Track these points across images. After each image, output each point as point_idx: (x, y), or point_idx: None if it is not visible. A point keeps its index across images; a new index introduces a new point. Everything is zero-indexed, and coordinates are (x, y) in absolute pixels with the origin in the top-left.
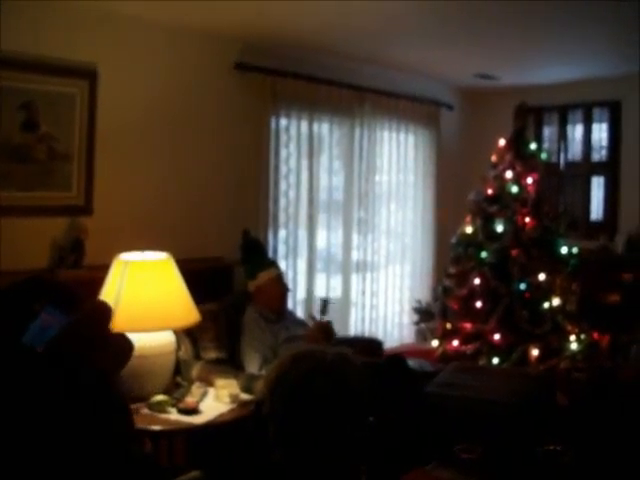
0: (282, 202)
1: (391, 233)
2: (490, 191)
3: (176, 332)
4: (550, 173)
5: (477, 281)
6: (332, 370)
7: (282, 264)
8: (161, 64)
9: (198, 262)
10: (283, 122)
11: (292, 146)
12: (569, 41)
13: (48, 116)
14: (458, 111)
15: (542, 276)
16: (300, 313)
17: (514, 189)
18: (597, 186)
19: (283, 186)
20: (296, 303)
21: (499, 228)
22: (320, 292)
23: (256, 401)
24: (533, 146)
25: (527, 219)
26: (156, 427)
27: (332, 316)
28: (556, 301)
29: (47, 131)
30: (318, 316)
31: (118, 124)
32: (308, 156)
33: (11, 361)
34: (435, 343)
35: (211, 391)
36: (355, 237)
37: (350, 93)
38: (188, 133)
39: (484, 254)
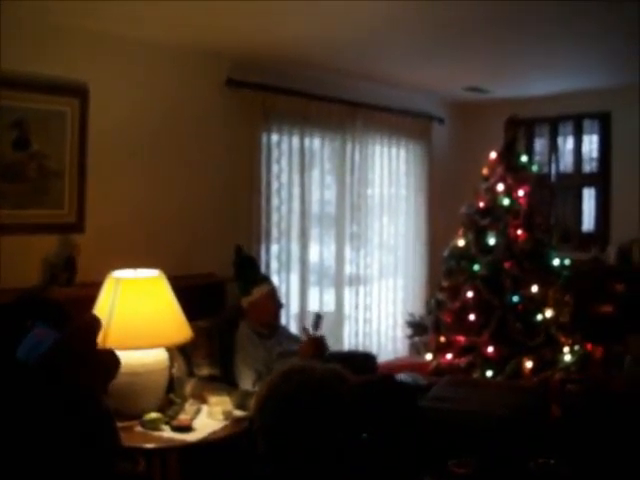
0: (274, 217)
1: (384, 247)
2: (482, 204)
3: (169, 349)
4: (541, 185)
5: (470, 294)
6: (322, 385)
7: (275, 279)
8: (152, 81)
9: (190, 279)
10: (274, 137)
11: (284, 161)
12: (559, 54)
13: (39, 134)
14: (449, 124)
15: (535, 288)
16: (293, 328)
17: (506, 202)
18: (588, 197)
19: (275, 201)
20: (289, 318)
21: (491, 241)
22: (313, 306)
23: (250, 418)
24: (524, 158)
25: (519, 231)
26: (149, 445)
27: (325, 330)
28: (549, 313)
29: (38, 149)
30: (311, 331)
31: (109, 142)
32: (300, 171)
33: (9, 378)
34: (429, 356)
35: (204, 408)
36: (348, 251)
37: (341, 108)
38: (179, 150)
39: (477, 267)
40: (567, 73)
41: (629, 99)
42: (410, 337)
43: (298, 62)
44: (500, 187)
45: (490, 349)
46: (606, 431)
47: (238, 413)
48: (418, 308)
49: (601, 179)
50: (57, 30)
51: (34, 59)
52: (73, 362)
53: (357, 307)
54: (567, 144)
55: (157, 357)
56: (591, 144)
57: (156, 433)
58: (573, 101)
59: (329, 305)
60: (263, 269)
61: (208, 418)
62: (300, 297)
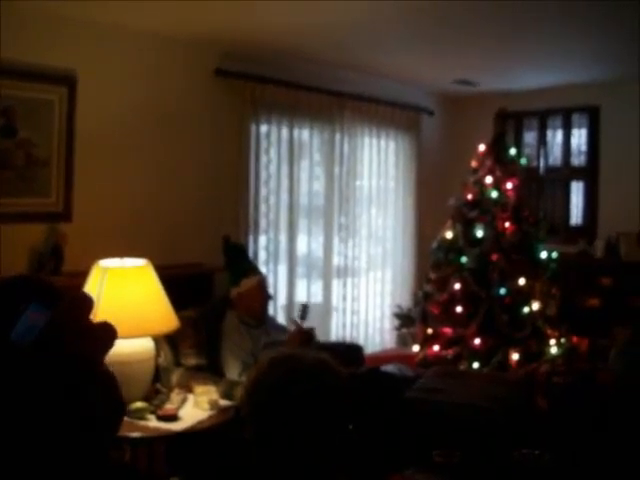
0: (263, 208)
1: (372, 238)
2: (470, 196)
3: (155, 339)
4: (530, 178)
5: (457, 286)
6: (310, 373)
7: (263, 270)
8: (140, 70)
9: (178, 268)
10: (263, 128)
11: (272, 152)
12: (548, 47)
13: (27, 122)
14: (438, 117)
15: (522, 281)
16: (281, 319)
17: (494, 194)
18: (576, 191)
19: (264, 192)
20: (277, 309)
21: (479, 233)
22: (301, 298)
23: (236, 407)
24: (513, 151)
25: (507, 224)
26: (135, 434)
27: (313, 321)
28: (536, 305)
29: (26, 137)
30: (299, 321)
31: (97, 130)
32: (288, 162)
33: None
34: (416, 348)
35: (191, 398)
36: (336, 243)
37: (330, 99)
38: (168, 139)
39: (464, 259)
40: (556, 67)
41: (618, 93)
42: (397, 329)
43: (287, 53)
44: (489, 180)
45: (477, 341)
46: (591, 423)
47: (224, 402)
48: (406, 300)
49: (589, 173)
50: (45, 18)
51: (22, 47)
52: (68, 335)
53: (345, 298)
54: (556, 137)
55: (143, 346)
56: (580, 138)
57: (142, 422)
58: (562, 95)
59: (317, 296)
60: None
61: (194, 408)
62: (288, 288)
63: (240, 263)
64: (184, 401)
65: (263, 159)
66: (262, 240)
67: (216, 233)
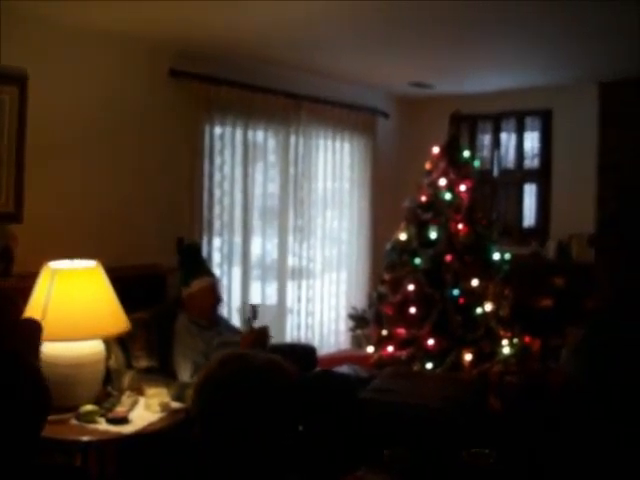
0: (217, 209)
1: (327, 240)
2: (424, 198)
3: (106, 341)
4: (483, 180)
5: (411, 287)
6: (260, 374)
7: (217, 271)
8: (93, 70)
9: (131, 270)
10: (218, 130)
11: (227, 153)
12: (502, 51)
13: None
14: (394, 119)
15: (475, 282)
16: (235, 321)
17: (448, 196)
18: (529, 193)
19: (217, 193)
20: (231, 311)
21: (433, 235)
22: (256, 299)
23: (187, 409)
24: (467, 154)
25: (460, 226)
26: (85, 438)
27: (267, 323)
28: (489, 306)
29: None
30: (252, 321)
31: (48, 130)
32: (243, 163)
33: None
34: (370, 349)
35: (142, 400)
36: (291, 244)
37: (286, 101)
38: (121, 139)
39: (418, 260)
40: (510, 71)
41: (570, 97)
42: (352, 330)
43: (242, 54)
44: (442, 182)
45: (430, 342)
46: (542, 422)
47: (175, 405)
48: (361, 301)
49: (542, 175)
50: None
51: None
52: None
53: (300, 300)
54: (509, 140)
55: (93, 349)
56: (533, 141)
57: (92, 426)
58: (516, 98)
59: (272, 298)
60: None
61: (145, 410)
62: (242, 290)
63: (192, 264)
64: (135, 404)
65: (217, 160)
66: (216, 242)
67: (171, 234)
